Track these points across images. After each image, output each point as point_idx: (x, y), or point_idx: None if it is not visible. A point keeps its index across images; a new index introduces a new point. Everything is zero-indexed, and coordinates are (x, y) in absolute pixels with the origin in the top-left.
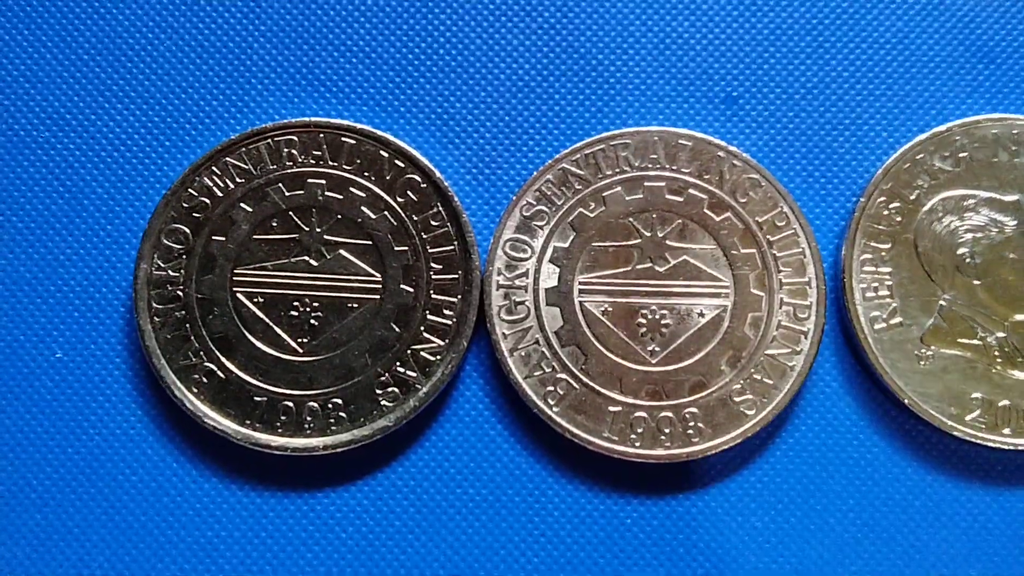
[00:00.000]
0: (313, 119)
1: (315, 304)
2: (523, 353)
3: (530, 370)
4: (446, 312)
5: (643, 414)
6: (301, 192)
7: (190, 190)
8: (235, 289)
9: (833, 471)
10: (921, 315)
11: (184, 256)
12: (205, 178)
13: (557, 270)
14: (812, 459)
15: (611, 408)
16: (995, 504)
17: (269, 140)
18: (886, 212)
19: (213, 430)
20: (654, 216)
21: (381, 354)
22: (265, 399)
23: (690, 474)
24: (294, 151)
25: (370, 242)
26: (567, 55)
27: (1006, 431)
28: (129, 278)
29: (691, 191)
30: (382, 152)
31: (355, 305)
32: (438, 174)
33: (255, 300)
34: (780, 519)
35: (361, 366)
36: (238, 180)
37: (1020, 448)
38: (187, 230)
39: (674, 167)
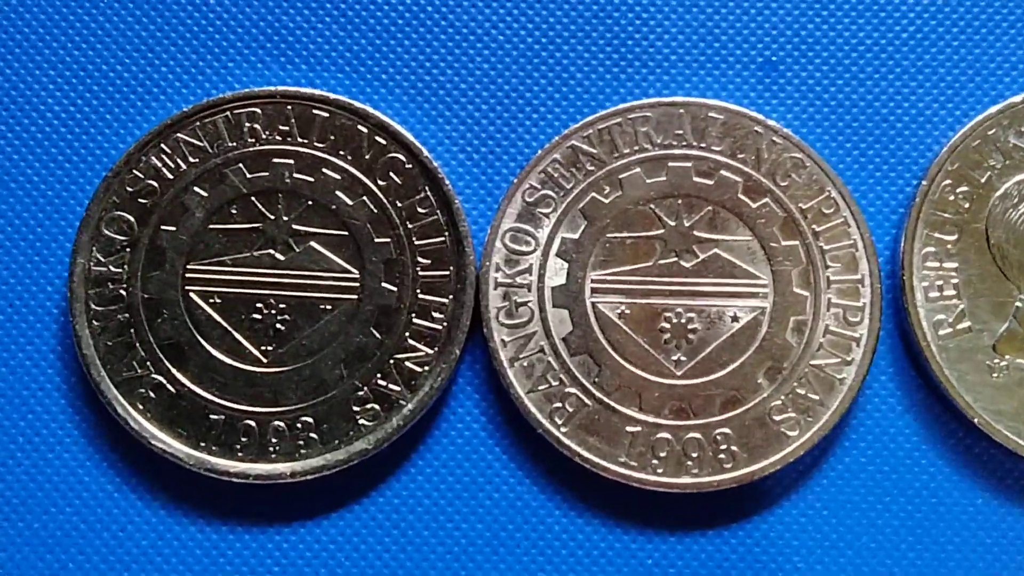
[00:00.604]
0: (280, 88)
1: (281, 306)
2: (525, 363)
3: (534, 383)
4: (435, 315)
5: (667, 435)
6: (265, 174)
7: (135, 172)
8: (188, 288)
9: (890, 502)
10: (993, 319)
11: (128, 249)
12: (153, 158)
13: (566, 266)
14: (865, 488)
15: (629, 428)
16: None
17: (228, 113)
18: (952, 198)
19: (162, 454)
20: (679, 202)
21: (359, 364)
22: (223, 417)
23: (721, 506)
24: (257, 126)
25: (346, 233)
26: (577, 14)
27: None
28: (64, 275)
29: (723, 173)
30: (360, 127)
31: (328, 307)
32: (426, 153)
33: (211, 301)
34: (827, 559)
35: (335, 379)
36: (191, 160)
37: None
38: (131, 219)
39: (703, 144)
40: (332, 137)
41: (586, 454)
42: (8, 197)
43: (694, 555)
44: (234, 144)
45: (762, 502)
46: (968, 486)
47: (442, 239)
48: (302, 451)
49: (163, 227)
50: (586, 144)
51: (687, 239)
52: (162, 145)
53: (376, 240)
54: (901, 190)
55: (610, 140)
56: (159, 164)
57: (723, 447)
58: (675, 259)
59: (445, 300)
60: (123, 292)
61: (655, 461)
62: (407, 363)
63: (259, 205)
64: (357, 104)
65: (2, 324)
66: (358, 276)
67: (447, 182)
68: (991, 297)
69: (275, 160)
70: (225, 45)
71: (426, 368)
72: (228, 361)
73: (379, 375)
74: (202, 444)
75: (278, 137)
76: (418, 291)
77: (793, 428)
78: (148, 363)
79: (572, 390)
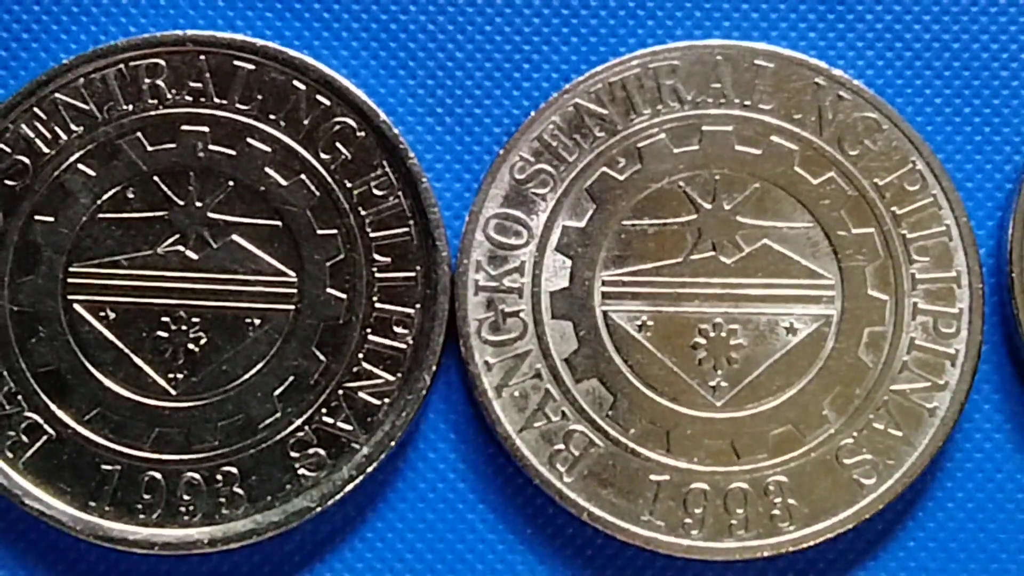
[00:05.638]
0: (190, 32)
1: (195, 320)
2: (516, 392)
3: (527, 419)
4: (397, 331)
5: (703, 486)
6: (172, 146)
7: None
8: (71, 297)
9: (998, 571)
10: None
11: None
12: (23, 125)
13: (569, 263)
14: (965, 552)
15: (653, 477)
16: None
17: (122, 66)
18: None
19: (39, 517)
20: (717, 178)
21: (297, 397)
22: (119, 468)
23: None
24: (160, 82)
25: (279, 223)
26: None
27: None
28: None
29: (774, 139)
30: (297, 83)
31: (257, 321)
32: (383, 117)
33: (102, 315)
34: None
35: (266, 416)
36: (74, 128)
37: None
38: None
39: (748, 102)
40: (260, 97)
41: (597, 511)
42: None
43: None
44: (130, 107)
45: (828, 574)
46: None
47: (405, 230)
48: (224, 512)
49: (37, 217)
50: (593, 102)
51: (728, 227)
52: (35, 109)
53: (318, 232)
54: (1008, 159)
55: (625, 97)
56: (31, 134)
57: (777, 500)
58: (712, 253)
59: (410, 311)
60: None
61: (688, 520)
62: (361, 394)
63: (164, 187)
64: (292, 53)
65: None
66: (295, 280)
67: (411, 155)
68: None
69: (184, 128)
70: None
71: (386, 400)
72: (125, 394)
73: (324, 410)
74: (92, 504)
75: (188, 97)
76: (374, 299)
77: (869, 475)
78: (19, 397)
79: (578, 427)
